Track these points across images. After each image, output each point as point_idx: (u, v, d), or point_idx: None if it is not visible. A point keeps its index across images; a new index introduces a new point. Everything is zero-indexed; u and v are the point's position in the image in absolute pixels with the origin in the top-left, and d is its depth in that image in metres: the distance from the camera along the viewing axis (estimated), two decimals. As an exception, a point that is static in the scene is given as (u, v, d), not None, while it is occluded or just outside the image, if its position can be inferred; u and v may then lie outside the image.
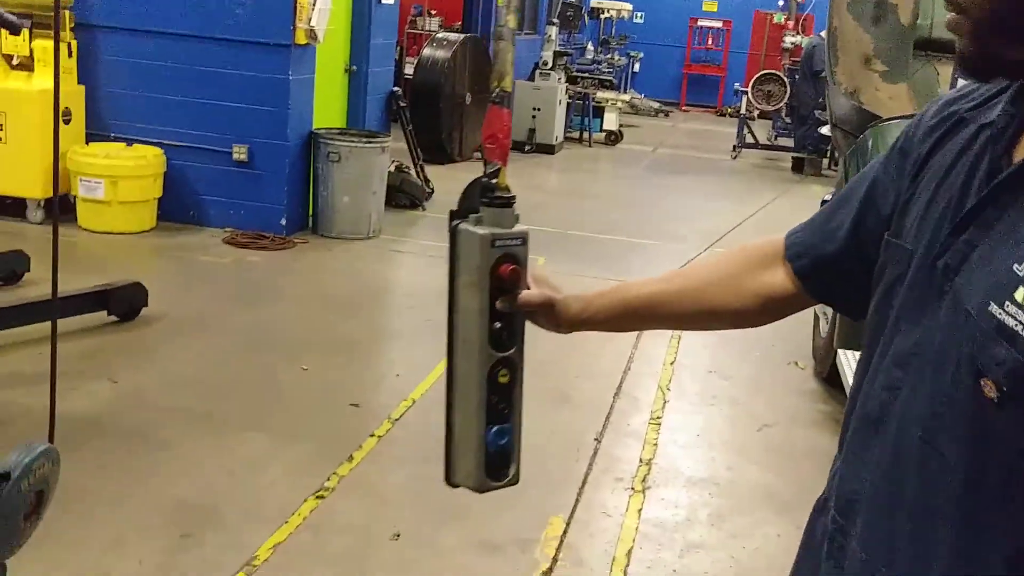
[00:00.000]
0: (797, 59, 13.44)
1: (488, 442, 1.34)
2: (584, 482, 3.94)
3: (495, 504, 3.71)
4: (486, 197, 1.34)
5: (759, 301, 1.37)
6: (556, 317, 1.40)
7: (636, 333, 5.70)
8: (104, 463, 3.75)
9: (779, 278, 1.35)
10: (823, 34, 7.33)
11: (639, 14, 18.74)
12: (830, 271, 1.30)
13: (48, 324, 4.72)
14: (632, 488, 3.94)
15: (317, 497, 3.61)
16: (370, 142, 7.58)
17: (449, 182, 9.86)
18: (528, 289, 1.37)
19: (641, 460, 4.21)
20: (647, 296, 1.42)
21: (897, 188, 1.21)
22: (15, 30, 5.13)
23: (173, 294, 5.68)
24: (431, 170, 9.45)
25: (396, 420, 4.34)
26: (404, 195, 8.53)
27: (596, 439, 4.35)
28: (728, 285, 1.38)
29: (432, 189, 9.11)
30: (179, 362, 4.84)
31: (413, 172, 8.94)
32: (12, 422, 3.99)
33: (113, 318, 5.17)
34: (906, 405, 1.08)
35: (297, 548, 3.29)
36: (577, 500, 3.80)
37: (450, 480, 1.40)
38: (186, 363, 4.83)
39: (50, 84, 6.88)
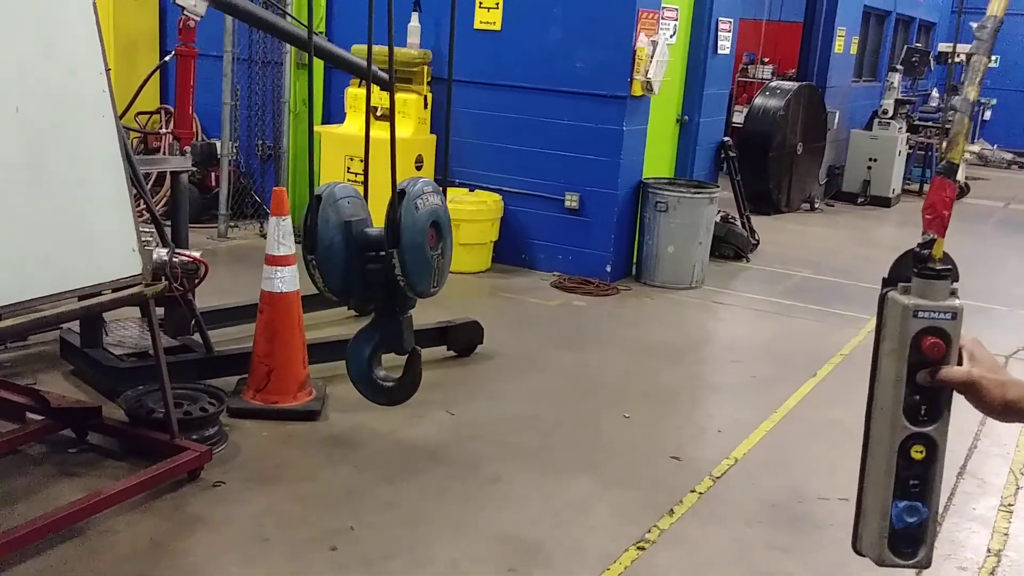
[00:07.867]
0: None
1: (894, 516, 1.33)
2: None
3: (822, 578, 3.53)
4: (917, 267, 1.32)
5: None
6: (985, 399, 1.31)
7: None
8: (443, 490, 4.00)
9: None
10: None
11: (994, 57, 17.32)
12: None
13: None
14: (978, 580, 3.59)
15: (638, 547, 3.62)
16: (698, 192, 7.58)
17: (775, 233, 9.64)
18: (959, 365, 1.30)
19: (989, 550, 3.82)
20: None
21: None
22: (386, 86, 5.72)
23: (505, 333, 5.98)
24: (757, 221, 9.28)
25: (718, 478, 4.26)
26: (729, 246, 8.43)
27: (937, 522, 4.01)
28: None
29: (758, 240, 8.94)
30: (509, 399, 5.07)
31: (739, 222, 8.82)
32: (362, 445, 4.37)
33: (452, 353, 5.53)
34: None
35: (617, 597, 3.31)
36: (914, 586, 3.52)
37: (855, 547, 1.39)
38: (516, 400, 5.06)
39: (408, 133, 7.58)
